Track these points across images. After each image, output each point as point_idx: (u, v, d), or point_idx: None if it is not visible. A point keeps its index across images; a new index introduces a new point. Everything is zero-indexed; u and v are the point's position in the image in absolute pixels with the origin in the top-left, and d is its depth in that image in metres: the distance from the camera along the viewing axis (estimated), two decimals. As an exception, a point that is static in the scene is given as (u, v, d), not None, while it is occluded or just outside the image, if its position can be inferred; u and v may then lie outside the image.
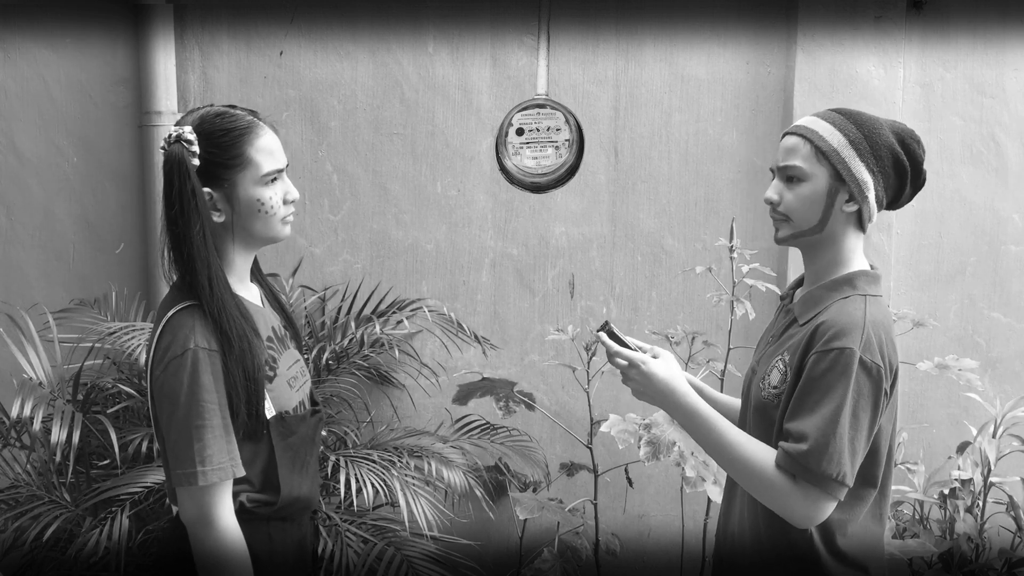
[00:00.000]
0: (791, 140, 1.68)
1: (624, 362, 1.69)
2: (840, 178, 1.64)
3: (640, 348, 1.74)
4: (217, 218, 1.61)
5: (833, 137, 1.65)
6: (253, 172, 1.60)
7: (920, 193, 3.33)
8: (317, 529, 1.88)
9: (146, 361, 1.61)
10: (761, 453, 1.58)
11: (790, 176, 1.67)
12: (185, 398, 1.52)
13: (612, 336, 1.71)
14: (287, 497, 1.65)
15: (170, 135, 1.57)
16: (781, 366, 1.66)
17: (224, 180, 1.60)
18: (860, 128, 1.65)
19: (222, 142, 1.58)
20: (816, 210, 1.66)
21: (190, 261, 1.57)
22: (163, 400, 1.54)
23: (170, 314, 1.57)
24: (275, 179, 1.63)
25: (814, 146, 1.65)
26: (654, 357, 1.72)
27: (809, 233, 1.68)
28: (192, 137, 1.57)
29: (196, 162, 1.57)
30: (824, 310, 1.64)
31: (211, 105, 1.64)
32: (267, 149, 1.62)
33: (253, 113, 1.65)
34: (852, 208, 1.65)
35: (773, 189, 1.70)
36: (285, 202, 1.66)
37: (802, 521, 1.56)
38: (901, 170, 1.67)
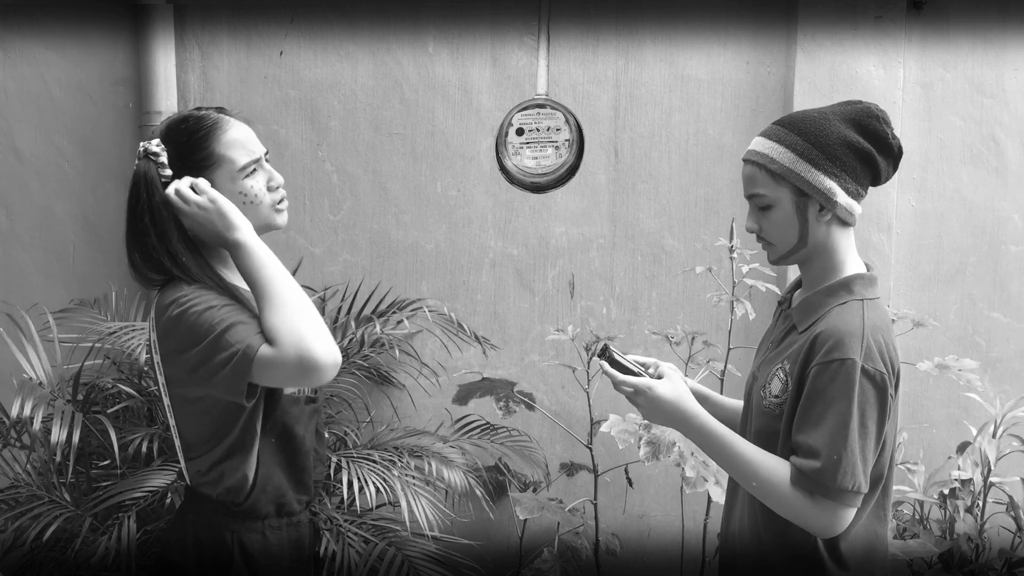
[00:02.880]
0: (748, 169, 1.67)
1: (630, 389, 1.67)
2: (803, 193, 1.62)
3: (643, 365, 1.72)
4: None
5: (783, 156, 1.62)
6: (228, 168, 1.60)
7: (920, 193, 3.35)
8: (318, 531, 1.86)
9: (151, 334, 1.61)
10: (777, 470, 1.58)
11: (759, 205, 1.67)
12: (206, 324, 1.49)
13: (612, 362, 1.69)
14: (265, 472, 1.63)
15: (138, 152, 1.60)
16: (782, 375, 1.65)
17: None
18: (806, 136, 1.62)
19: (188, 145, 1.59)
20: (792, 230, 1.65)
21: (172, 268, 1.57)
22: (183, 342, 1.51)
23: (162, 286, 1.60)
24: (254, 170, 1.63)
25: (768, 171, 1.64)
26: (659, 376, 1.70)
27: (796, 250, 1.68)
28: (158, 149, 1.58)
29: (168, 172, 1.58)
30: (822, 317, 1.63)
31: (180, 113, 1.65)
32: (237, 142, 1.62)
33: (220, 110, 1.65)
34: (826, 217, 1.64)
35: (751, 218, 1.70)
36: (270, 189, 1.66)
37: (823, 533, 1.57)
38: (865, 156, 1.63)
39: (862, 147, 1.62)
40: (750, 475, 1.60)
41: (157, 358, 1.60)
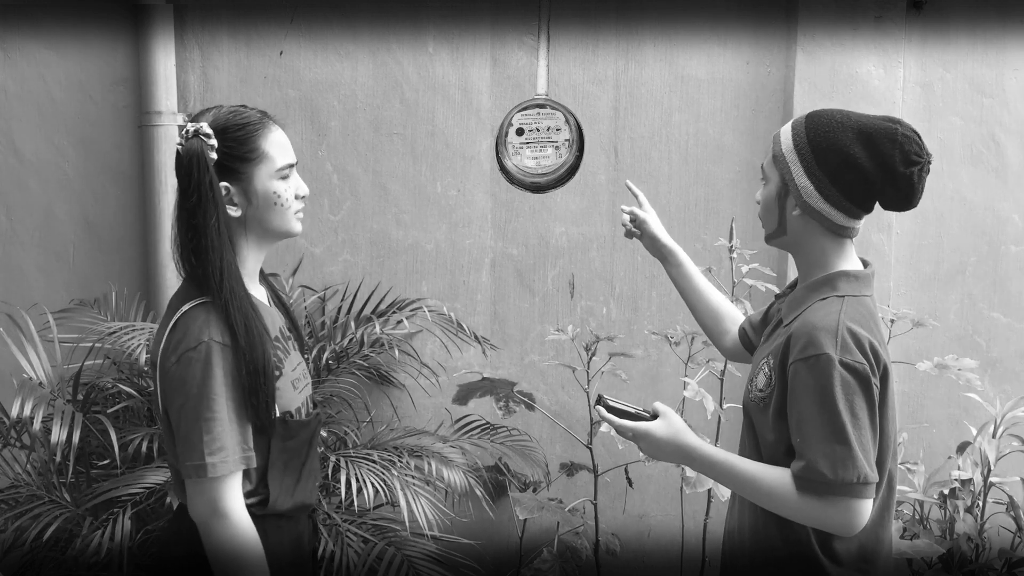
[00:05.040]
0: (771, 143, 1.73)
1: (631, 433, 1.71)
2: (786, 183, 1.65)
3: (637, 412, 1.74)
4: (233, 212, 1.64)
5: (786, 143, 1.66)
6: (269, 166, 1.64)
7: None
8: (316, 528, 1.87)
9: (155, 353, 1.62)
10: (782, 481, 1.59)
11: (762, 177, 1.73)
12: (196, 390, 1.53)
13: (610, 408, 1.73)
14: (276, 499, 1.66)
15: (187, 130, 1.60)
16: (766, 369, 1.67)
17: (241, 174, 1.63)
18: (810, 131, 1.63)
19: (238, 136, 1.62)
20: (773, 213, 1.69)
21: (204, 252, 1.59)
22: (174, 392, 1.56)
23: (184, 309, 1.59)
24: (287, 174, 1.68)
25: (772, 151, 1.69)
26: (654, 415, 1.72)
27: (776, 236, 1.71)
28: (210, 131, 1.60)
29: (214, 156, 1.60)
30: (802, 313, 1.65)
31: (221, 106, 1.68)
32: (280, 144, 1.67)
33: (263, 113, 1.69)
34: (796, 212, 1.65)
35: (759, 190, 1.75)
36: (296, 197, 1.70)
37: (847, 530, 1.57)
38: (858, 171, 1.60)
39: (857, 162, 1.60)
40: (759, 492, 1.61)
41: (157, 366, 1.61)
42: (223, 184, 1.62)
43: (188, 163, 1.58)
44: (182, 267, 1.64)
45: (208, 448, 1.52)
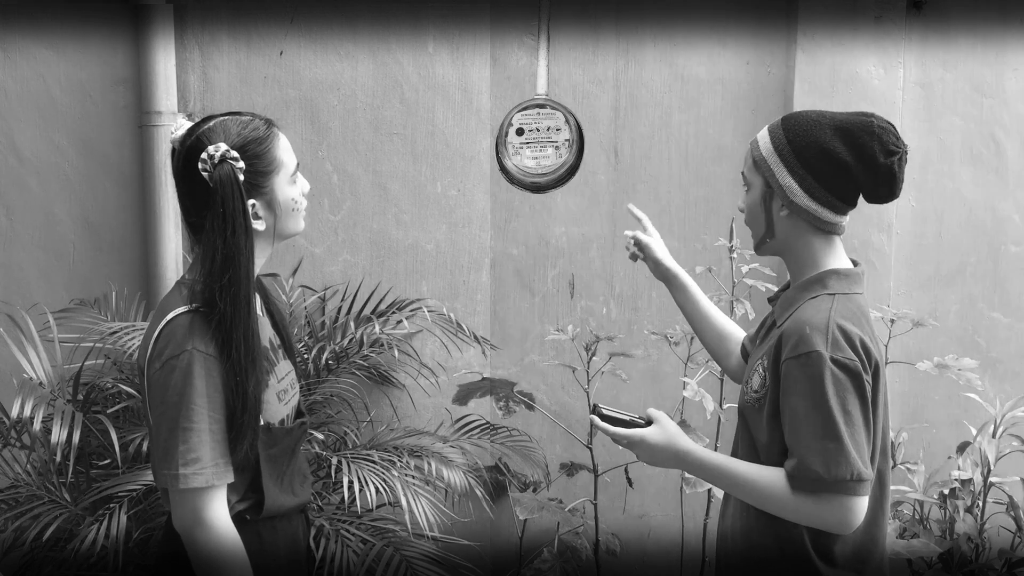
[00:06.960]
0: (747, 151, 1.74)
1: (625, 441, 1.72)
2: (770, 185, 1.67)
3: (631, 420, 1.75)
4: (259, 227, 1.60)
5: (765, 147, 1.68)
6: (285, 172, 1.62)
7: (920, 193, 3.35)
8: (308, 520, 1.87)
9: (142, 359, 1.59)
10: (776, 481, 1.59)
11: (743, 184, 1.76)
12: (176, 399, 1.50)
13: (604, 417, 1.74)
14: (271, 507, 1.65)
15: (211, 155, 1.52)
16: (760, 370, 1.68)
17: (264, 188, 1.59)
18: (787, 132, 1.65)
19: (259, 152, 1.58)
20: (759, 218, 1.72)
21: (235, 284, 1.53)
22: (155, 398, 1.53)
23: (172, 315, 1.55)
24: (296, 176, 1.65)
25: (752, 156, 1.71)
26: (648, 422, 1.73)
27: (764, 239, 1.73)
28: (236, 154, 1.54)
29: (242, 178, 1.55)
30: (794, 312, 1.65)
31: (224, 116, 1.61)
32: (288, 148, 1.64)
33: (268, 120, 1.65)
34: (784, 212, 1.67)
35: (741, 199, 1.78)
36: (303, 195, 1.68)
37: (843, 528, 1.57)
38: (840, 165, 1.62)
39: (838, 156, 1.62)
40: (754, 493, 1.62)
41: (143, 372, 1.59)
42: (250, 201, 1.57)
43: (224, 192, 1.51)
44: (200, 292, 1.55)
45: (183, 459, 1.49)
